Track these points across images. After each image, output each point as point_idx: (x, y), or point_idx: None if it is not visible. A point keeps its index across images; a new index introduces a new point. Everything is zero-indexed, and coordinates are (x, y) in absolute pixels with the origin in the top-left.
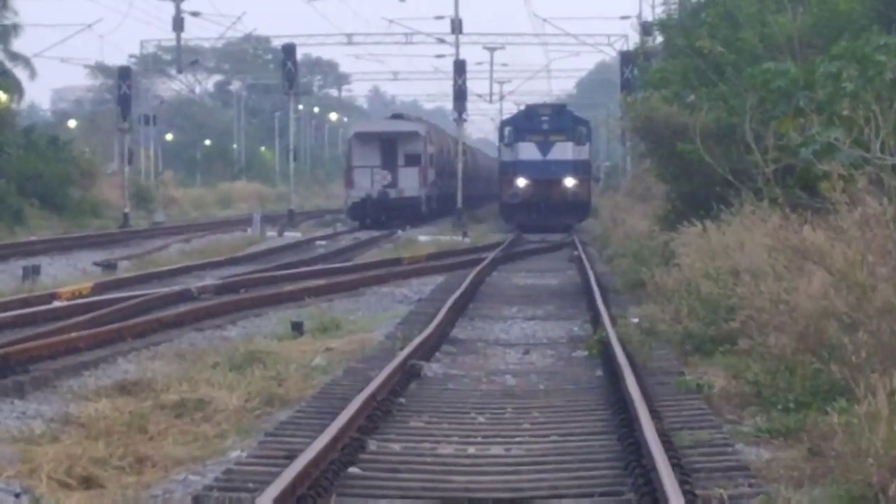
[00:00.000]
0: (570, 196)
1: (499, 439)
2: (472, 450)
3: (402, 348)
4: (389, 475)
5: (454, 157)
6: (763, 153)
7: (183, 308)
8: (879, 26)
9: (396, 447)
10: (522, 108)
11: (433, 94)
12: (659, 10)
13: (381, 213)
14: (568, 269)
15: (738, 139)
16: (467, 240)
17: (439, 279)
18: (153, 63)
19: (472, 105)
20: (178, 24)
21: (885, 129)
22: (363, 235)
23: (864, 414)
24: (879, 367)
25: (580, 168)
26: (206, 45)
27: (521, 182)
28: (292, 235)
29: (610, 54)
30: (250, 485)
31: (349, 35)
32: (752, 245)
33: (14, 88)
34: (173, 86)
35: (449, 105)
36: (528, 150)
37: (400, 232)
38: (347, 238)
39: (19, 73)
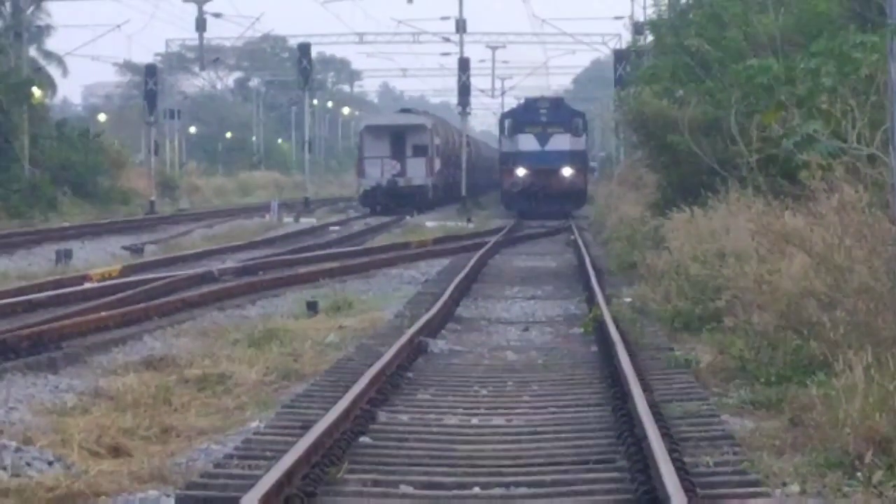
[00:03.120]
0: (567, 184)
1: (500, 411)
2: (475, 420)
3: (410, 326)
4: (398, 444)
5: (459, 149)
6: (747, 144)
7: (205, 289)
8: (856, 25)
9: (405, 418)
10: (522, 101)
11: (439, 89)
12: (650, 10)
13: (391, 201)
14: (565, 252)
15: (724, 131)
16: (471, 225)
17: (445, 262)
18: (178, 61)
19: (475, 100)
20: (201, 25)
21: (861, 121)
22: (374, 221)
23: (842, 387)
24: (856, 343)
25: (577, 158)
26: (227, 44)
27: (521, 171)
28: (308, 221)
29: (604, 52)
30: (268, 453)
31: (361, 34)
32: (736, 230)
33: (48, 85)
34: (196, 82)
35: (454, 100)
36: (527, 142)
37: (408, 218)
38: (359, 224)
39: (52, 70)
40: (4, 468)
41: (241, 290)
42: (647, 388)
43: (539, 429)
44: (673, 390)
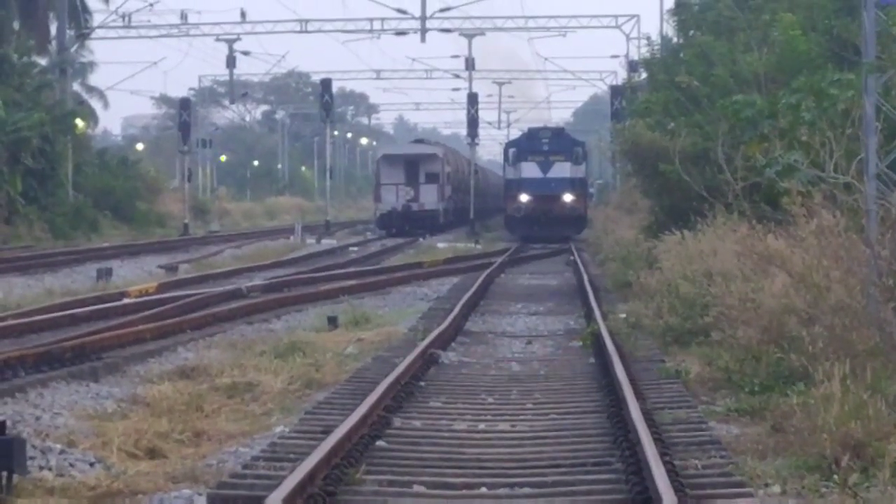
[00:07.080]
0: (567, 210)
1: (505, 417)
2: (482, 426)
3: (422, 339)
4: (411, 448)
5: (468, 176)
6: (733, 173)
7: (234, 304)
8: (833, 64)
9: (418, 424)
10: (525, 131)
11: (450, 121)
12: (644, 49)
13: (405, 224)
14: (565, 271)
15: (712, 161)
16: (479, 247)
17: (455, 280)
18: (210, 95)
19: (483, 131)
20: (231, 62)
21: (837, 152)
22: (389, 242)
23: (820, 396)
24: (833, 356)
25: (577, 185)
26: (255, 79)
27: (524, 197)
28: (329, 242)
29: (602, 88)
30: (292, 456)
31: (378, 71)
32: (723, 251)
33: (90, 117)
34: (227, 114)
35: (463, 131)
36: (530, 169)
37: (421, 240)
38: (376, 245)
39: (95, 103)
40: (50, 469)
41: (268, 306)
42: (640, 397)
43: (541, 434)
44: (664, 399)
